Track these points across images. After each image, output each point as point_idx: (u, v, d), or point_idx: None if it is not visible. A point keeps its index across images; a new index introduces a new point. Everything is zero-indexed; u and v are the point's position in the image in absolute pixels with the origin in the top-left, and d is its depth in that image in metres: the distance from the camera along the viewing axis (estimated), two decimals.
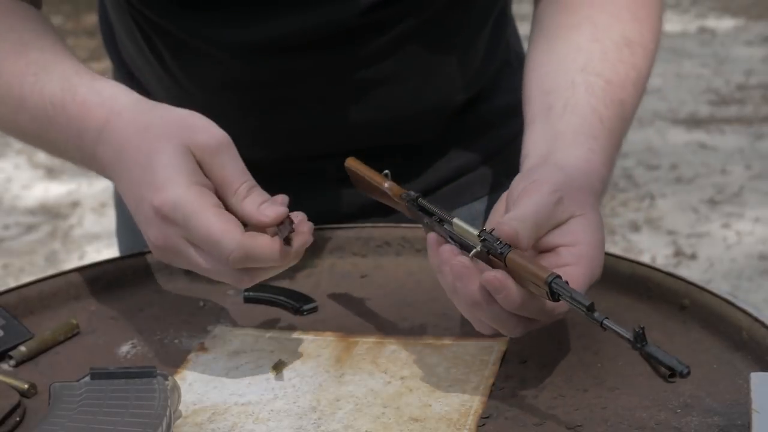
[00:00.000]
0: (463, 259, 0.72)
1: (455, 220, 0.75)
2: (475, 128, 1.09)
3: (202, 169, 0.77)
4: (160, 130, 0.78)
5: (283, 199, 0.80)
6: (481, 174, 1.10)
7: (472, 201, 1.10)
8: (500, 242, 0.71)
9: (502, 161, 1.09)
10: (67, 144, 0.85)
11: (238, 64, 0.98)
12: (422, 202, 0.80)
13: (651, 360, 0.66)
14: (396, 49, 0.99)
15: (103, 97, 0.83)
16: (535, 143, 0.85)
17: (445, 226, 0.75)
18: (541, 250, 0.75)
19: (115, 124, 0.81)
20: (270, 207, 0.77)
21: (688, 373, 0.64)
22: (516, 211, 0.74)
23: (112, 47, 1.12)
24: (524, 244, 0.72)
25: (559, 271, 0.70)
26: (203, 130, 0.79)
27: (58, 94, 0.84)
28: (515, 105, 1.07)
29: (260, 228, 0.76)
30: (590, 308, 0.66)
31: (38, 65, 0.86)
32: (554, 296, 0.68)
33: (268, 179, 1.07)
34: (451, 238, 0.75)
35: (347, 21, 0.96)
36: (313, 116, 1.01)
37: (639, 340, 0.65)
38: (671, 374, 0.75)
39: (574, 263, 0.73)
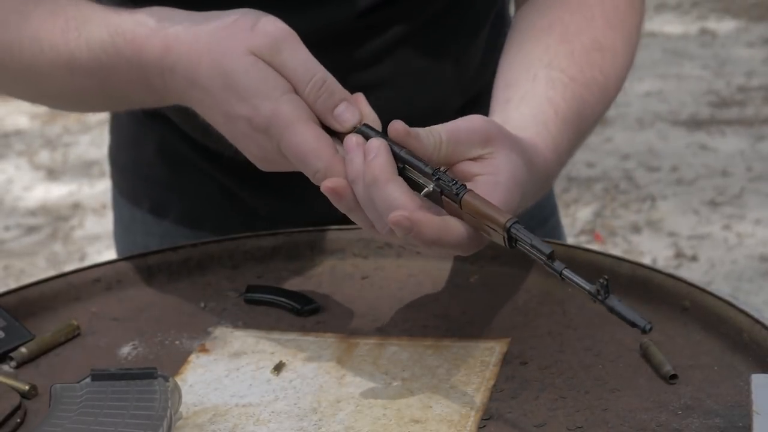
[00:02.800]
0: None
1: (405, 153, 0.71)
2: None
3: (271, 65, 0.76)
4: (222, 45, 0.76)
5: (358, 99, 0.78)
6: None
7: None
8: (456, 182, 0.68)
9: None
10: (134, 86, 0.84)
11: None
12: (365, 130, 0.75)
13: (613, 313, 0.62)
14: (392, 52, 0.99)
15: (150, 26, 0.81)
16: None
17: (399, 161, 0.72)
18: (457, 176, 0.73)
19: (176, 50, 0.79)
20: (346, 111, 0.75)
21: (651, 329, 0.61)
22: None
23: None
24: (426, 148, 0.70)
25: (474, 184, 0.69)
26: (257, 30, 0.76)
27: (107, 40, 0.83)
28: None
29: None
30: (550, 257, 0.64)
31: (77, 20, 0.85)
32: (511, 242, 0.65)
33: (266, 182, 1.07)
34: (403, 170, 0.71)
35: (343, 24, 0.96)
36: None
37: (601, 292, 0.61)
38: (673, 375, 0.75)
39: (489, 192, 0.71)
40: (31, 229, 3.47)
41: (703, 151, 3.82)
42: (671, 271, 0.87)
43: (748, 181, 3.54)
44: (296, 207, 1.07)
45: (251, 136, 0.76)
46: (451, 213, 0.70)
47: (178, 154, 1.09)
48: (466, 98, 1.06)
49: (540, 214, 1.16)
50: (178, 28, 0.80)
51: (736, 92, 4.41)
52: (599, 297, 0.62)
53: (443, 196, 0.69)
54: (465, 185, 0.69)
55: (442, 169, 0.70)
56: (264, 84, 0.75)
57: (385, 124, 1.03)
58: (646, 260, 2.96)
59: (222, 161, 1.07)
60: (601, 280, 0.62)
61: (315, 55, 0.98)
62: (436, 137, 0.73)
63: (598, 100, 0.88)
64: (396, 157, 0.72)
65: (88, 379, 0.74)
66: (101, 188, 3.61)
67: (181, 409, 0.75)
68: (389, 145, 0.73)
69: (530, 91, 0.85)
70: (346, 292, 0.92)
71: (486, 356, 0.80)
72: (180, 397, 0.74)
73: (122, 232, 1.18)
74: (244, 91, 0.75)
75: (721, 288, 2.82)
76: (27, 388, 0.78)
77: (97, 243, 3.32)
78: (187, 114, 1.05)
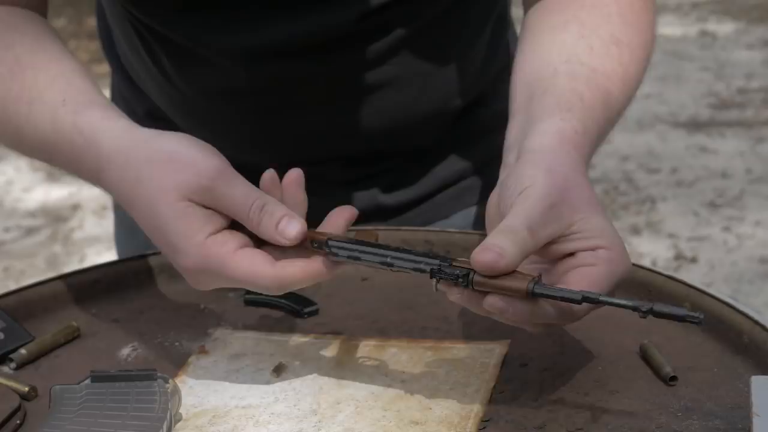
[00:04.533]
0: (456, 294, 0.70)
1: (391, 258, 0.70)
2: (474, 133, 1.09)
3: (209, 206, 0.76)
4: (154, 185, 0.77)
5: (296, 177, 0.79)
6: (479, 179, 1.10)
7: (469, 206, 1.10)
8: (456, 268, 0.66)
9: (497, 167, 1.09)
10: (78, 175, 0.86)
11: (237, 70, 0.98)
12: (337, 244, 0.74)
13: (664, 318, 0.63)
14: (394, 53, 0.99)
15: (85, 136, 0.82)
16: (513, 133, 0.83)
17: (388, 259, 0.71)
18: (558, 257, 0.72)
19: (108, 175, 0.81)
20: (288, 226, 0.75)
21: (702, 321, 0.62)
22: (501, 226, 0.69)
23: (111, 53, 1.12)
24: (511, 264, 0.66)
25: (578, 272, 0.67)
26: (190, 167, 0.77)
27: (49, 130, 0.84)
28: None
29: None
30: (584, 299, 0.65)
31: (32, 91, 0.86)
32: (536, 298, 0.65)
33: None
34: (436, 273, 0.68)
35: (346, 26, 0.96)
36: (311, 121, 1.01)
37: (644, 306, 0.63)
38: (672, 377, 0.75)
39: (593, 263, 0.70)
40: (31, 231, 3.47)
41: (703, 153, 3.82)
42: (671, 272, 0.87)
43: (748, 182, 3.54)
44: None
45: (189, 275, 0.77)
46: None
47: None
48: (469, 99, 1.07)
49: None
50: (110, 148, 0.81)
51: (736, 94, 4.41)
52: (644, 310, 0.63)
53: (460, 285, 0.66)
54: (470, 268, 0.66)
55: (436, 261, 0.67)
56: (191, 230, 0.75)
57: (387, 126, 1.03)
58: (646, 262, 2.96)
59: None
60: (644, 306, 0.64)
61: (319, 58, 0.98)
62: (518, 249, 0.67)
63: (621, 91, 0.87)
64: (377, 259, 0.71)
65: (87, 381, 0.74)
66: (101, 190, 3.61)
67: (180, 411, 0.75)
68: (373, 251, 0.71)
69: (552, 84, 0.83)
70: (346, 294, 0.92)
71: (486, 358, 0.79)
72: (180, 398, 0.74)
73: (124, 234, 1.18)
74: (173, 238, 0.76)
75: (721, 290, 2.82)
76: (27, 389, 0.78)
77: (97, 244, 3.32)
78: (191, 116, 1.06)
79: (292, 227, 0.75)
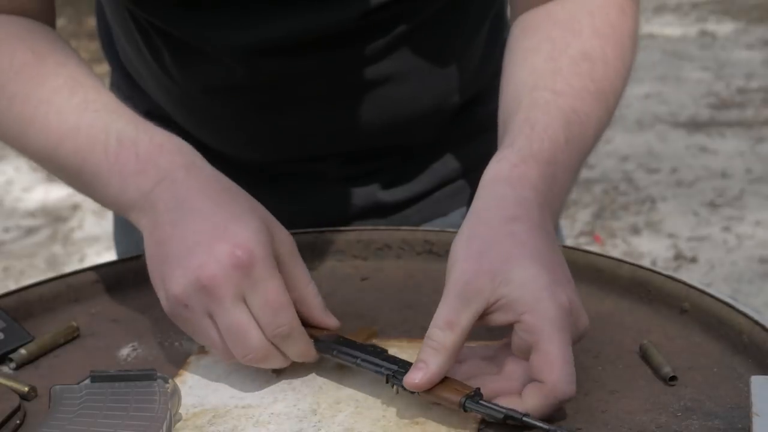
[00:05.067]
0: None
1: (358, 362, 0.76)
2: (472, 131, 1.09)
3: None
4: (244, 202, 0.80)
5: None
6: (476, 178, 1.11)
7: (465, 205, 1.10)
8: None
9: None
10: (110, 179, 0.84)
11: (237, 66, 0.99)
12: (323, 342, 0.79)
13: None
14: (394, 50, 0.99)
15: (157, 142, 0.84)
16: None
17: (357, 362, 0.76)
18: (498, 327, 0.72)
19: (176, 175, 0.81)
20: (332, 317, 0.81)
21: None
22: (428, 332, 0.73)
23: (111, 52, 1.12)
24: (436, 375, 0.71)
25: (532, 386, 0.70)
26: (281, 227, 0.81)
27: (131, 133, 0.84)
28: None
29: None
30: (506, 417, 0.68)
31: (96, 103, 0.86)
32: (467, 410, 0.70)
33: (267, 181, 1.07)
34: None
35: (346, 23, 0.96)
36: (311, 118, 1.02)
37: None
38: (672, 377, 0.75)
39: (531, 333, 0.70)
40: (31, 231, 3.47)
41: (703, 153, 3.82)
42: (671, 272, 0.87)
43: (748, 182, 3.54)
44: (300, 205, 1.07)
45: (223, 269, 0.76)
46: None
47: None
48: (467, 96, 1.07)
49: None
50: (189, 161, 0.82)
51: (736, 94, 4.42)
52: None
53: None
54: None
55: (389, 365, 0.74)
56: (263, 236, 0.78)
57: (385, 123, 1.03)
58: (646, 262, 2.96)
59: (225, 160, 1.07)
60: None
61: (319, 55, 0.98)
62: (440, 347, 0.72)
63: (592, 107, 0.86)
64: (348, 360, 0.77)
65: (87, 381, 0.74)
66: None
67: (180, 411, 0.75)
68: (342, 351, 0.77)
69: (512, 120, 0.83)
70: (346, 294, 0.92)
71: None
72: (179, 398, 0.74)
73: (123, 234, 1.18)
74: (243, 232, 0.77)
75: (721, 289, 2.82)
76: (26, 389, 0.78)
77: (97, 244, 3.32)
78: (191, 113, 1.06)
79: (334, 319, 0.82)
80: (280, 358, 0.77)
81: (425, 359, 0.71)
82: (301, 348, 0.78)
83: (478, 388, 0.70)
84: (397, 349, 0.81)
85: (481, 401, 0.69)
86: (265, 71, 0.99)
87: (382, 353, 0.76)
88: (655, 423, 0.70)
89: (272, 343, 0.76)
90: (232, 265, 0.75)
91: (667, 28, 5.47)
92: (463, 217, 1.10)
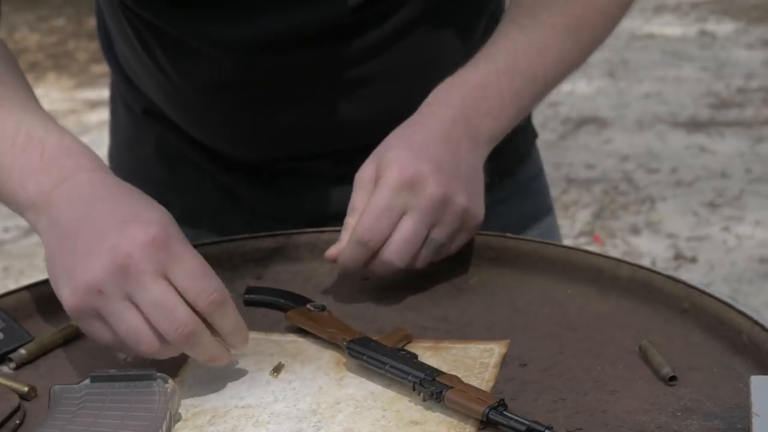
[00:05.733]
0: None
1: (387, 368, 0.76)
2: None
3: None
4: (147, 198, 0.80)
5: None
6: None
7: None
8: (434, 383, 0.73)
9: (491, 161, 1.09)
10: (12, 173, 0.82)
11: (230, 63, 0.99)
12: (354, 346, 0.79)
13: None
14: (388, 46, 1.00)
15: (74, 140, 0.83)
16: None
17: (386, 368, 0.76)
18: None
19: (83, 179, 0.80)
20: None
21: None
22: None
23: (110, 53, 1.12)
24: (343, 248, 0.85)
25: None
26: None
27: (40, 132, 0.82)
28: None
29: None
30: (528, 430, 0.68)
31: (15, 100, 0.85)
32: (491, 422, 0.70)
33: (261, 179, 1.07)
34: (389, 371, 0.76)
35: (339, 18, 0.97)
36: (304, 114, 1.02)
37: None
38: (672, 377, 0.75)
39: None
40: (31, 231, 3.47)
41: (703, 153, 3.83)
42: (670, 272, 0.87)
43: (748, 182, 3.55)
44: (295, 204, 1.07)
45: (140, 251, 0.75)
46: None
47: (177, 153, 1.10)
48: None
49: (535, 214, 1.16)
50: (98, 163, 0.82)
51: (736, 94, 4.42)
52: None
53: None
54: (446, 385, 0.73)
55: (424, 375, 0.74)
56: (169, 217, 0.79)
57: (379, 119, 1.03)
58: (646, 262, 2.96)
59: (220, 159, 1.08)
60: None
61: (311, 50, 0.99)
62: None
63: (555, 40, 0.93)
64: (377, 365, 0.77)
65: (87, 381, 0.74)
66: None
67: (180, 411, 0.75)
68: (372, 357, 0.77)
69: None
70: (346, 294, 0.92)
71: (485, 358, 0.79)
72: (179, 398, 0.74)
73: None
74: (151, 212, 0.78)
75: (721, 289, 2.82)
76: (26, 389, 0.78)
77: None
78: (186, 110, 1.06)
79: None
80: (208, 337, 0.75)
81: (341, 237, 0.87)
82: (233, 321, 0.76)
83: (503, 399, 0.71)
84: (432, 352, 0.80)
85: (504, 412, 0.70)
86: (258, 68, 0.99)
87: (411, 359, 0.77)
88: (655, 423, 0.70)
89: (201, 320, 0.75)
90: (148, 241, 0.74)
91: (667, 27, 5.47)
92: None
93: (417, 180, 0.85)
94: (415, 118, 0.90)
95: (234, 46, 0.98)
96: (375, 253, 0.86)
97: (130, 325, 0.74)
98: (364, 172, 0.88)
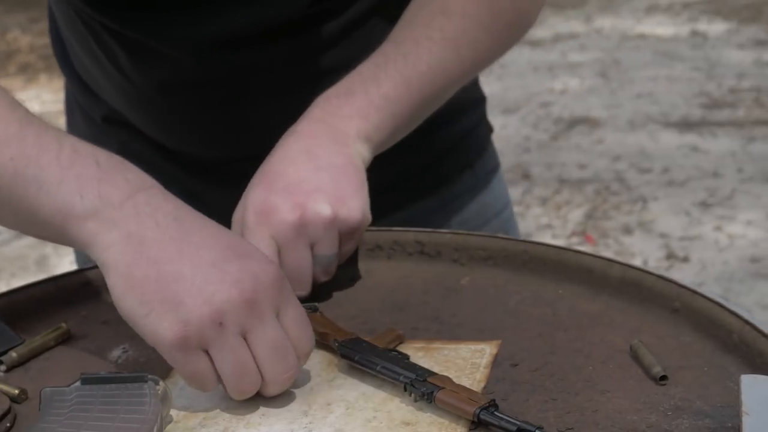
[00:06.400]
0: None
1: (378, 369, 0.76)
2: (427, 124, 1.09)
3: None
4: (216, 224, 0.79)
5: None
6: (432, 171, 1.11)
7: (422, 199, 1.11)
8: (426, 384, 0.73)
9: (454, 158, 1.10)
10: (62, 184, 0.75)
11: (192, 62, 0.99)
12: (346, 347, 0.79)
13: None
14: (346, 37, 1.01)
15: (129, 163, 0.79)
16: None
17: (377, 368, 0.76)
18: None
19: (154, 191, 0.76)
20: None
21: None
22: None
23: (65, 61, 1.12)
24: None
25: None
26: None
27: (87, 146, 0.78)
28: (466, 102, 1.08)
29: None
30: (519, 430, 0.68)
31: (43, 121, 0.80)
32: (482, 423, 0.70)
33: (226, 179, 1.06)
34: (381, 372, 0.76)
35: (299, 10, 0.97)
36: (267, 112, 1.02)
37: None
38: (663, 377, 0.75)
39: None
40: (20, 234, 3.46)
41: (695, 153, 3.83)
42: (662, 272, 0.88)
43: (739, 182, 3.55)
44: None
45: (256, 283, 0.74)
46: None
47: (140, 159, 1.08)
48: None
49: (494, 207, 1.18)
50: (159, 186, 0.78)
51: (727, 94, 4.43)
52: None
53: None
54: (437, 385, 0.73)
55: (415, 375, 0.74)
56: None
57: None
58: (638, 262, 2.97)
59: (185, 162, 1.07)
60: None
61: (272, 45, 0.99)
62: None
63: (431, 53, 0.94)
64: (369, 366, 0.77)
65: (78, 383, 0.74)
66: None
67: (171, 413, 0.75)
68: (364, 357, 0.77)
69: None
70: (337, 295, 0.92)
71: (476, 358, 0.80)
72: (170, 400, 0.74)
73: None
74: (250, 247, 0.78)
75: (713, 289, 2.83)
76: (17, 392, 0.78)
77: None
78: (148, 113, 1.05)
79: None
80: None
81: None
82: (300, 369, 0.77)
83: (494, 400, 0.71)
84: (423, 353, 0.80)
85: (495, 412, 0.70)
86: (217, 66, 0.99)
87: (402, 360, 0.77)
88: (646, 422, 0.70)
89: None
90: (270, 280, 0.73)
91: (659, 28, 5.48)
92: (423, 210, 1.11)
93: (269, 212, 0.84)
94: (276, 146, 0.90)
95: (194, 45, 0.98)
96: None
97: (241, 361, 0.72)
98: (235, 215, 0.87)
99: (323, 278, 0.88)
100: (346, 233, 0.87)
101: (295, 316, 0.75)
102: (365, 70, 0.93)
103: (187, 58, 0.99)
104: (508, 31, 0.99)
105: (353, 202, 0.87)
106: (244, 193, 0.87)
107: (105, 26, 0.99)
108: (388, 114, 0.92)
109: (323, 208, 0.85)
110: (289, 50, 1.00)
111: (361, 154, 0.90)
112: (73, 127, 1.16)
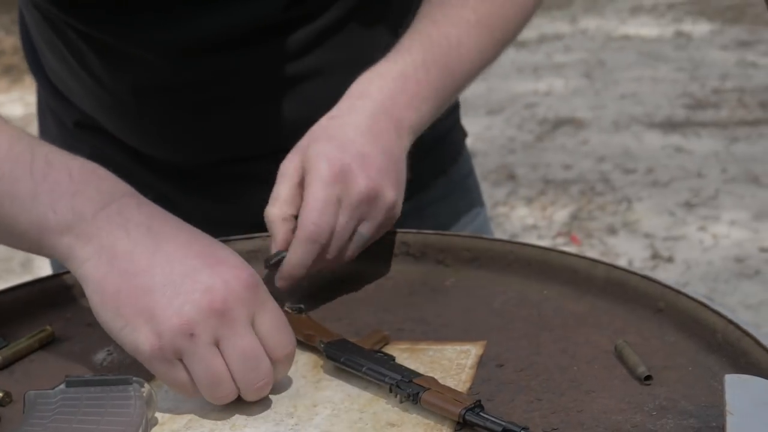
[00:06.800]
0: None
1: (364, 370, 0.76)
2: None
3: None
4: (197, 229, 0.78)
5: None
6: (417, 168, 1.11)
7: (408, 198, 1.11)
8: (411, 385, 0.73)
9: (429, 164, 1.09)
10: (35, 199, 0.75)
11: (166, 66, 0.98)
12: (331, 349, 0.79)
13: None
14: (320, 43, 1.00)
15: (106, 173, 0.78)
16: None
17: (363, 370, 0.76)
18: None
19: (128, 200, 0.76)
20: None
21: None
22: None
23: (36, 65, 1.11)
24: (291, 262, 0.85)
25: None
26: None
27: (60, 156, 0.77)
28: None
29: None
30: (504, 431, 0.68)
31: (19, 131, 0.80)
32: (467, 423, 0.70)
33: (199, 184, 1.06)
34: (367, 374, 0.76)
35: (272, 16, 0.97)
36: (240, 116, 1.02)
37: None
38: (647, 376, 0.75)
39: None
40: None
41: (679, 153, 3.85)
42: (647, 272, 0.88)
43: (723, 182, 3.57)
44: (235, 209, 1.06)
45: (223, 293, 0.73)
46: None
47: (112, 164, 1.07)
48: None
49: (469, 211, 1.18)
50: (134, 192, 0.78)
51: (711, 94, 4.45)
52: None
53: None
54: (422, 386, 0.73)
55: (401, 376, 0.74)
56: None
57: (318, 116, 1.04)
58: (623, 262, 2.98)
59: (157, 167, 1.06)
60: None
61: (247, 49, 0.99)
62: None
63: (468, 34, 0.94)
64: (354, 367, 0.77)
65: (62, 386, 0.73)
66: None
67: (156, 415, 0.75)
68: (349, 359, 0.77)
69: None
70: (323, 296, 0.91)
71: (462, 359, 0.80)
72: (155, 403, 0.74)
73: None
74: (224, 252, 0.76)
75: (697, 289, 2.84)
76: (1, 395, 0.77)
77: None
78: (121, 117, 1.05)
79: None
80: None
81: (274, 239, 0.87)
82: (285, 374, 0.76)
83: (479, 400, 0.71)
84: (409, 354, 0.80)
85: (481, 413, 0.70)
86: (191, 70, 0.99)
87: (388, 361, 0.77)
88: (631, 422, 0.71)
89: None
90: (242, 287, 0.72)
91: (643, 29, 5.50)
92: (408, 209, 1.11)
93: (346, 174, 0.84)
94: (335, 111, 0.90)
95: (169, 49, 0.97)
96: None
97: (213, 370, 0.71)
98: (289, 164, 0.87)
99: (346, 257, 0.88)
100: (390, 222, 0.89)
101: (272, 320, 0.74)
102: (413, 49, 0.92)
103: (160, 62, 0.98)
104: (533, 6, 1.00)
105: (401, 197, 0.89)
106: (303, 144, 0.88)
107: (74, 28, 0.99)
108: (432, 105, 0.93)
109: (390, 193, 0.86)
110: (264, 55, 0.99)
111: (407, 147, 0.92)
112: (46, 133, 1.14)
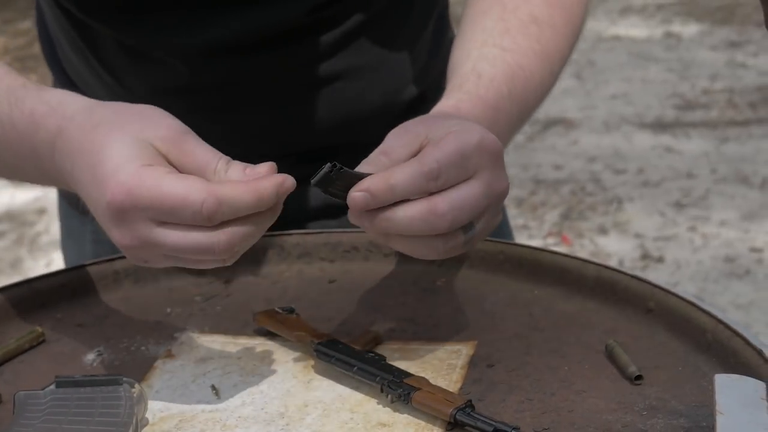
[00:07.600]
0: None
1: (355, 370, 0.76)
2: None
3: (169, 161, 0.73)
4: (112, 125, 0.74)
5: (270, 166, 0.74)
6: None
7: None
8: (402, 385, 0.73)
9: None
10: (25, 162, 0.81)
11: (188, 68, 0.98)
12: (322, 349, 0.79)
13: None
14: (344, 46, 1.00)
15: (51, 105, 0.79)
16: None
17: (354, 370, 0.76)
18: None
19: (67, 131, 0.76)
20: (256, 168, 0.73)
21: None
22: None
23: (53, 60, 1.11)
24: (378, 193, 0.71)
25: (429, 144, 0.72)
26: (161, 120, 0.75)
27: (5, 110, 0.81)
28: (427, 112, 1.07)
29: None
30: (495, 431, 0.68)
31: None
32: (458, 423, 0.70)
33: None
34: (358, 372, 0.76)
35: (295, 20, 0.97)
36: (262, 118, 1.01)
37: None
38: (638, 376, 0.75)
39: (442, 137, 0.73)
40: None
41: (669, 153, 3.85)
42: (638, 272, 0.88)
43: (713, 182, 3.58)
44: None
45: (115, 220, 0.71)
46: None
47: None
48: (416, 93, 1.07)
49: None
50: (78, 108, 0.77)
51: (701, 95, 4.45)
52: None
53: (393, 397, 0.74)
54: (413, 386, 0.73)
55: (389, 377, 0.74)
56: (127, 159, 0.71)
57: (339, 119, 1.03)
58: (613, 262, 2.98)
59: None
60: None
61: (269, 53, 0.98)
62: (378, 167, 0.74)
63: (536, 65, 0.91)
64: (345, 367, 0.77)
65: (52, 386, 0.73)
66: None
67: (147, 415, 0.74)
68: (340, 359, 0.77)
69: (460, 70, 0.89)
70: (314, 296, 0.91)
71: (453, 359, 0.80)
72: (146, 403, 0.74)
73: (70, 242, 1.17)
74: (107, 167, 0.71)
75: (688, 289, 2.85)
76: None
77: None
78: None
79: (261, 167, 0.73)
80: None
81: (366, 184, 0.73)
82: (240, 192, 0.71)
83: (470, 400, 0.71)
84: (400, 354, 0.80)
85: (472, 413, 0.70)
86: (213, 72, 0.99)
87: (379, 361, 0.77)
88: (621, 422, 0.71)
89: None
90: (119, 212, 0.71)
91: (633, 29, 5.51)
92: None
93: (491, 150, 0.75)
94: (453, 115, 0.81)
95: (191, 52, 0.97)
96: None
97: (176, 248, 0.71)
98: (410, 127, 0.77)
99: (458, 250, 0.77)
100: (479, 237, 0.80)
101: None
102: (497, 79, 0.87)
103: (182, 65, 0.98)
104: (575, 39, 0.98)
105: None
106: (444, 118, 0.79)
107: (99, 32, 0.99)
108: (508, 140, 0.90)
109: (507, 184, 0.80)
110: (285, 59, 0.99)
111: None
112: None
